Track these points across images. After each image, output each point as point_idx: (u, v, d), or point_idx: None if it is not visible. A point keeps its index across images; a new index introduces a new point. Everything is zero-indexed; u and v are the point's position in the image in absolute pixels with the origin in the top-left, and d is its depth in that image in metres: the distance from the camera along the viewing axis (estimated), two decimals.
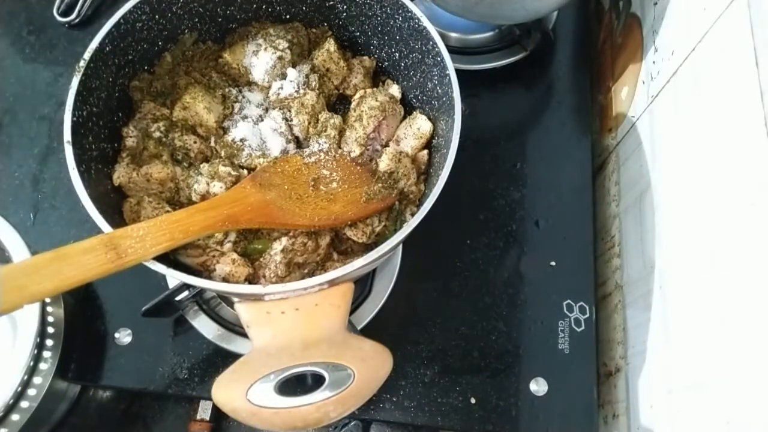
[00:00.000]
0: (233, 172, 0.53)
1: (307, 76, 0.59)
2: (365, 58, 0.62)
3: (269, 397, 0.42)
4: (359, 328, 0.63)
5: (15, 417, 0.56)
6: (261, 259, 0.51)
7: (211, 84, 0.58)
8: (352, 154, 0.56)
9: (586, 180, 0.74)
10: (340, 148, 0.57)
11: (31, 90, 0.79)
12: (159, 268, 0.43)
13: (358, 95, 0.60)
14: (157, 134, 0.54)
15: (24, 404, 0.57)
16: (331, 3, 0.60)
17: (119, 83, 0.54)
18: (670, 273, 0.56)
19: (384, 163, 0.54)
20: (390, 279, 0.66)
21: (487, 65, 0.79)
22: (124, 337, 0.63)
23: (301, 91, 0.58)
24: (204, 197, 0.52)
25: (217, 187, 0.51)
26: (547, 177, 0.74)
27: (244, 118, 0.57)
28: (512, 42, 0.80)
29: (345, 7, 0.60)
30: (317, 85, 0.59)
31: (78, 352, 0.63)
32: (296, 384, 0.44)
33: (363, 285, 0.65)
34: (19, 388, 0.55)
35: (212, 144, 0.56)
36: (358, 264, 0.44)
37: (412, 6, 0.54)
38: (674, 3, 0.62)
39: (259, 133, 0.56)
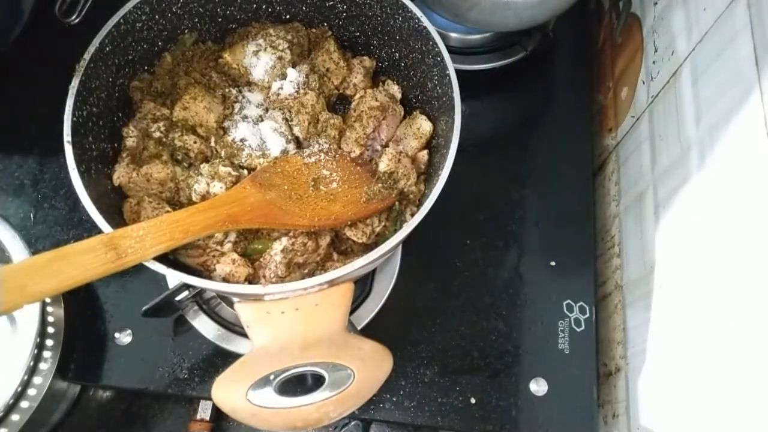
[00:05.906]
0: (233, 172, 0.53)
1: (307, 76, 0.59)
2: (365, 58, 0.62)
3: (269, 397, 0.43)
4: (359, 328, 0.63)
5: (15, 417, 0.56)
6: (261, 259, 0.51)
7: (211, 84, 0.58)
8: (352, 154, 0.56)
9: (586, 180, 0.74)
10: (340, 148, 0.57)
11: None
12: (159, 268, 0.43)
13: (358, 95, 0.60)
14: (157, 134, 0.54)
15: (24, 404, 0.57)
16: (331, 3, 0.60)
17: (119, 83, 0.54)
18: (670, 273, 0.56)
19: (384, 163, 0.54)
20: (390, 279, 0.66)
21: (488, 65, 0.79)
22: (124, 337, 0.63)
23: (301, 91, 0.57)
24: (204, 197, 0.52)
25: (217, 187, 0.51)
26: (547, 177, 0.74)
27: (244, 118, 0.57)
28: (512, 42, 0.80)
29: (345, 7, 0.60)
30: (317, 85, 0.59)
31: (78, 352, 0.63)
32: (296, 384, 0.44)
33: (363, 285, 0.65)
34: (19, 388, 0.56)
35: (212, 144, 0.56)
36: (358, 264, 0.44)
37: (412, 6, 0.54)
38: (674, 3, 0.62)
39: (259, 133, 0.56)
